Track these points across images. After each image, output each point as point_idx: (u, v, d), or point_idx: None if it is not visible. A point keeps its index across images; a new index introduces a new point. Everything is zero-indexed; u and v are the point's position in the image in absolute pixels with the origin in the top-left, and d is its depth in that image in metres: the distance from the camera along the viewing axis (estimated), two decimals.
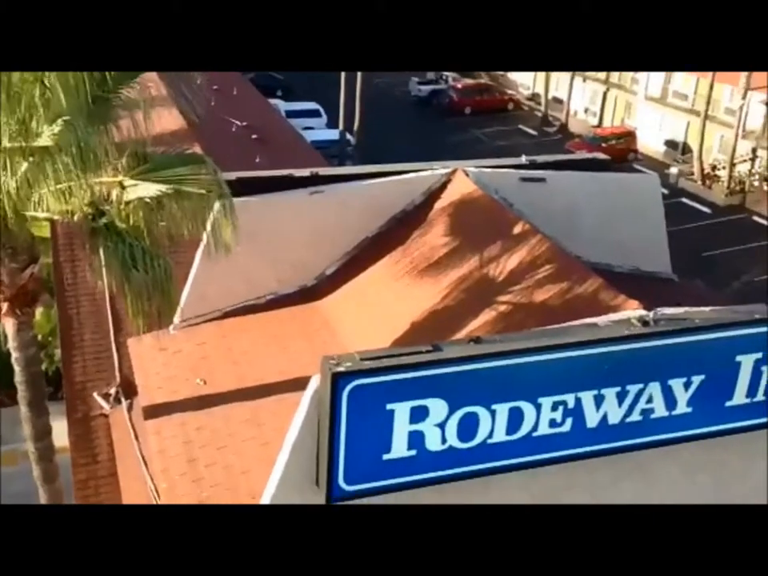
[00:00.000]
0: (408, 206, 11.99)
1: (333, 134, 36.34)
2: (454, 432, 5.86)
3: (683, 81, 40.90)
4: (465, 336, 9.01)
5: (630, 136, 40.77)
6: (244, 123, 21.28)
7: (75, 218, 9.51)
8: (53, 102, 8.80)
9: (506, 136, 41.83)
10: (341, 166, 25.96)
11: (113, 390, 11.92)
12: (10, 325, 10.82)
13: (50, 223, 12.46)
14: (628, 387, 6.21)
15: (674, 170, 37.74)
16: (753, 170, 37.26)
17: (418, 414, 5.73)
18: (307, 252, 11.63)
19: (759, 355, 6.49)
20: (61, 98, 8.65)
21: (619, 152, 36.93)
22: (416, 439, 5.79)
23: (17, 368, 11.12)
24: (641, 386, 6.24)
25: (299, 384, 6.00)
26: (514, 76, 49.38)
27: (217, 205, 9.24)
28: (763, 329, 6.46)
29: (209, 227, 9.39)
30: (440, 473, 5.98)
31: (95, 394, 11.98)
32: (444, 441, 5.86)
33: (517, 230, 10.92)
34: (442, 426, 5.81)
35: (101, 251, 9.34)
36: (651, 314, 6.39)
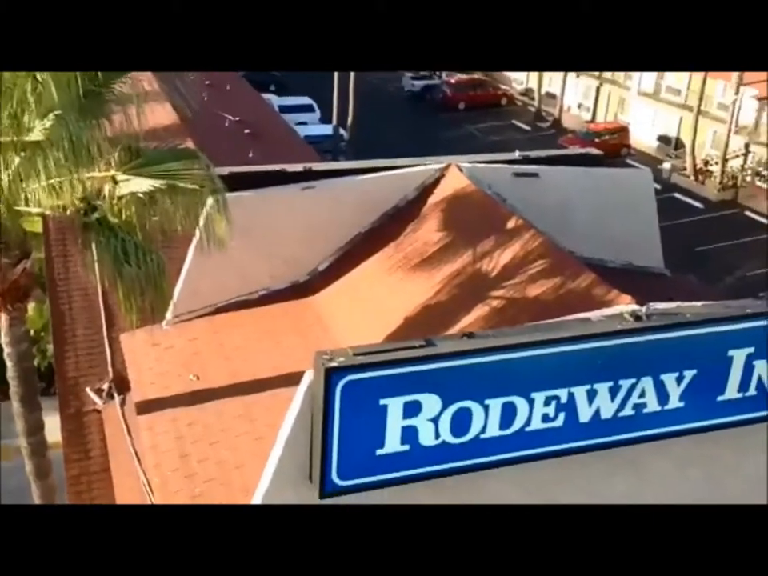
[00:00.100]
0: (401, 201, 11.98)
1: (326, 129, 36.28)
2: (447, 427, 5.87)
3: (676, 76, 40.95)
4: (458, 331, 9.02)
5: (623, 131, 40.83)
6: (237, 118, 21.22)
7: (67, 212, 9.48)
8: (45, 97, 8.76)
9: (500, 131, 41.83)
10: (334, 161, 25.95)
11: (105, 386, 11.89)
12: (2, 320, 10.79)
13: (42, 218, 12.41)
14: (620, 382, 6.23)
15: (666, 166, 37.81)
16: (745, 166, 37.37)
17: (411, 409, 5.73)
18: (300, 247, 11.62)
19: (751, 350, 6.52)
20: (53, 93, 8.61)
21: (612, 147, 36.99)
22: (409, 434, 5.80)
23: (9, 363, 11.09)
24: (633, 380, 6.26)
25: (292, 379, 6.00)
26: (507, 71, 49.34)
27: (210, 200, 9.22)
28: (755, 323, 6.49)
29: (202, 222, 9.38)
30: (433, 468, 5.99)
31: (88, 390, 11.96)
32: (437, 436, 5.87)
33: (510, 225, 10.93)
34: (435, 420, 5.82)
35: (93, 246, 9.31)
36: (643, 308, 6.40)
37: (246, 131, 20.63)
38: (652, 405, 6.38)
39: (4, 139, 8.78)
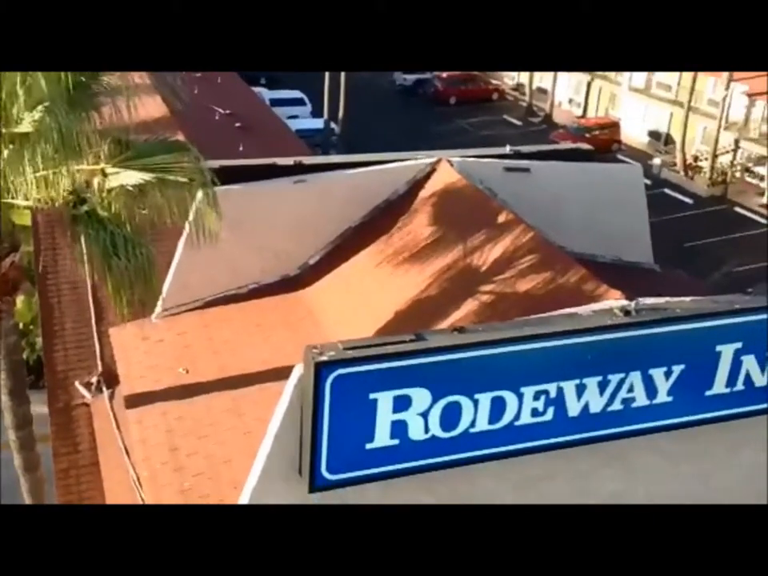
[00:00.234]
0: (392, 195, 11.98)
1: (317, 123, 36.21)
2: (436, 421, 5.87)
3: (667, 72, 41.03)
4: (448, 325, 9.04)
5: (613, 127, 40.91)
6: (228, 111, 21.16)
7: (56, 205, 9.43)
8: (34, 89, 8.72)
9: (491, 126, 41.83)
10: (325, 155, 25.91)
11: (94, 379, 11.86)
12: None
13: (31, 211, 12.35)
14: (609, 376, 6.24)
15: (656, 161, 37.92)
16: (735, 162, 37.52)
17: (401, 404, 5.73)
18: (290, 241, 11.60)
19: (739, 345, 6.54)
20: (42, 85, 8.57)
21: (603, 142, 37.08)
22: (399, 428, 5.80)
23: None
24: (622, 375, 6.28)
25: (282, 373, 6.00)
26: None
27: (200, 193, 9.20)
28: (743, 319, 6.52)
29: (191, 216, 9.35)
30: (423, 462, 5.99)
31: (77, 383, 11.92)
32: (427, 430, 5.87)
33: (501, 219, 10.95)
34: (424, 415, 5.82)
35: (82, 239, 9.28)
36: (633, 303, 6.42)
37: (237, 124, 20.57)
38: (640, 399, 6.40)
39: None
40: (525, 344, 5.97)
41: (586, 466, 6.66)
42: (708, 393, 6.64)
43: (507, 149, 12.78)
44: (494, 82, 48.43)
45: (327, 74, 33.95)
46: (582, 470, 6.67)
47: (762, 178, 36.85)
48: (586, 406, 6.26)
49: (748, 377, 6.68)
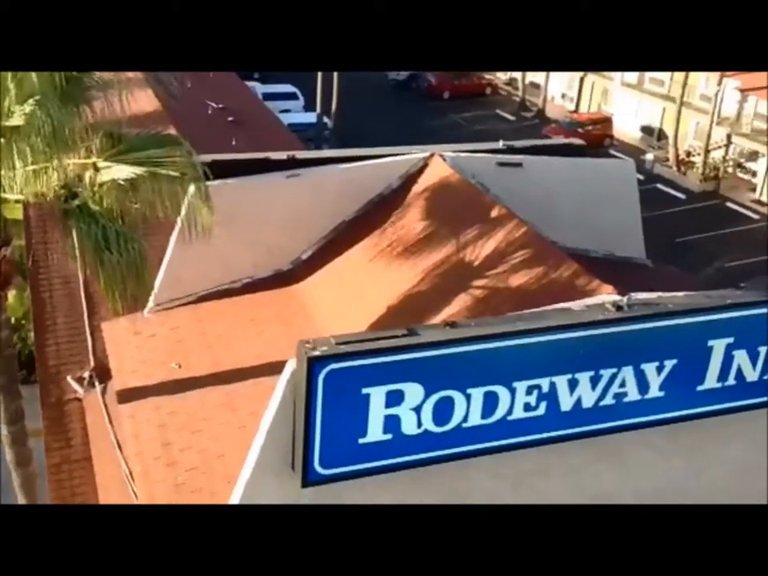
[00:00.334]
0: (385, 189, 11.97)
1: (310, 117, 36.09)
2: (429, 416, 5.88)
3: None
4: (441, 320, 9.03)
5: (606, 122, 40.94)
6: (220, 105, 21.08)
7: (48, 199, 9.39)
8: (25, 82, 8.68)
9: (484, 121, 41.80)
10: (318, 150, 25.86)
11: (87, 374, 11.83)
12: None
13: (23, 205, 12.30)
14: (601, 371, 6.26)
15: (649, 156, 37.98)
16: (727, 157, 37.60)
17: (394, 398, 5.74)
18: (283, 235, 11.59)
19: (731, 340, 6.57)
20: (33, 78, 8.53)
21: (596, 138, 37.10)
22: (391, 423, 5.81)
23: None
24: (614, 370, 6.30)
25: (275, 368, 5.99)
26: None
27: (192, 187, 9.17)
28: (735, 314, 6.54)
29: (184, 210, 9.32)
30: (415, 457, 6.00)
31: (69, 378, 11.89)
32: (419, 425, 5.88)
33: (493, 214, 10.95)
34: (417, 410, 5.83)
35: (74, 233, 9.24)
36: (625, 298, 6.43)
37: (230, 119, 20.49)
38: (632, 394, 6.42)
39: None
40: (517, 339, 5.98)
41: (579, 461, 6.68)
42: (700, 388, 6.66)
43: (500, 143, 12.78)
44: (487, 76, 48.34)
45: None
46: (574, 465, 6.69)
47: (754, 174, 36.94)
48: (578, 401, 6.27)
49: (740, 372, 6.71)
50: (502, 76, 49.13)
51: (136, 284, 9.26)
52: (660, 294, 6.70)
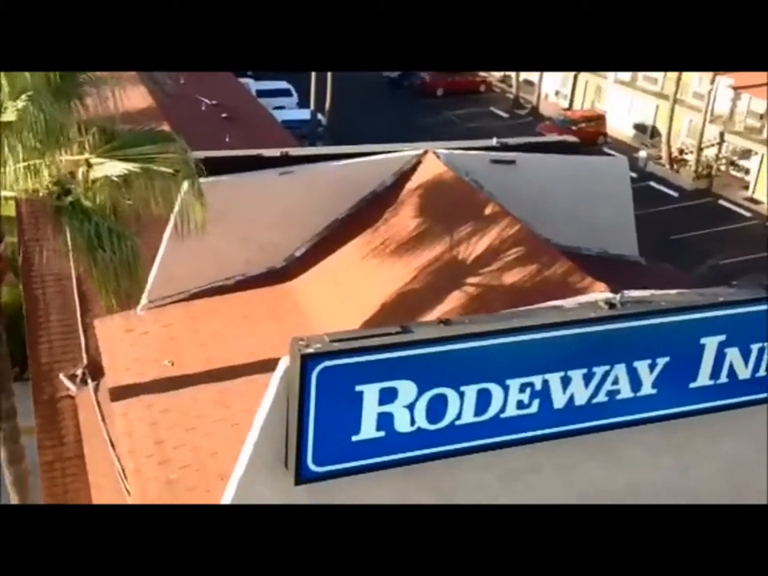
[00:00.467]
0: (379, 187, 11.96)
1: (304, 114, 36.05)
2: (422, 413, 5.89)
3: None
4: (434, 318, 9.03)
5: (599, 119, 40.95)
6: (214, 102, 21.03)
7: (40, 196, 9.36)
8: (18, 77, 8.63)
9: (478, 118, 41.79)
10: (311, 147, 25.81)
11: (79, 371, 11.80)
12: None
13: (15, 201, 12.26)
14: (594, 369, 6.27)
15: (642, 154, 38.03)
16: (720, 155, 37.67)
17: (387, 396, 5.74)
18: (277, 233, 11.57)
19: (723, 338, 6.59)
20: (26, 74, 8.49)
21: (589, 135, 37.14)
22: (385, 421, 5.81)
23: None
24: (607, 367, 6.31)
25: (268, 365, 5.99)
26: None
27: (185, 184, 9.15)
28: (727, 312, 6.56)
29: (177, 207, 9.30)
30: (408, 454, 6.01)
31: (62, 375, 11.86)
32: (413, 422, 5.89)
33: (487, 211, 10.96)
34: (410, 407, 5.84)
35: (66, 230, 9.21)
36: (618, 296, 6.45)
37: (223, 115, 20.44)
38: (625, 391, 6.44)
39: None
40: (510, 336, 5.99)
41: (572, 458, 6.70)
42: (692, 385, 6.68)
43: (494, 141, 12.79)
44: (480, 74, 48.36)
45: None
46: (567, 462, 6.71)
47: (746, 171, 37.03)
48: (571, 399, 6.29)
49: (732, 369, 6.73)
50: (495, 73, 49.12)
51: (129, 281, 9.23)
52: (653, 291, 6.72)
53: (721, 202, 35.41)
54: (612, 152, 35.49)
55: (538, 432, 6.34)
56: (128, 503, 9.13)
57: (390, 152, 12.14)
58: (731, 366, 6.72)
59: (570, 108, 44.64)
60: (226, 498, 5.98)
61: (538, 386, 6.15)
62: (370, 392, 5.68)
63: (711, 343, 6.58)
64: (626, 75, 42.51)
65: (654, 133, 40.50)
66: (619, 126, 41.55)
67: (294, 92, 39.05)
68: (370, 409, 5.73)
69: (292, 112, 36.66)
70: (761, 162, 35.83)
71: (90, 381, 11.66)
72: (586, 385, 6.30)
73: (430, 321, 6.47)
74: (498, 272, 10.07)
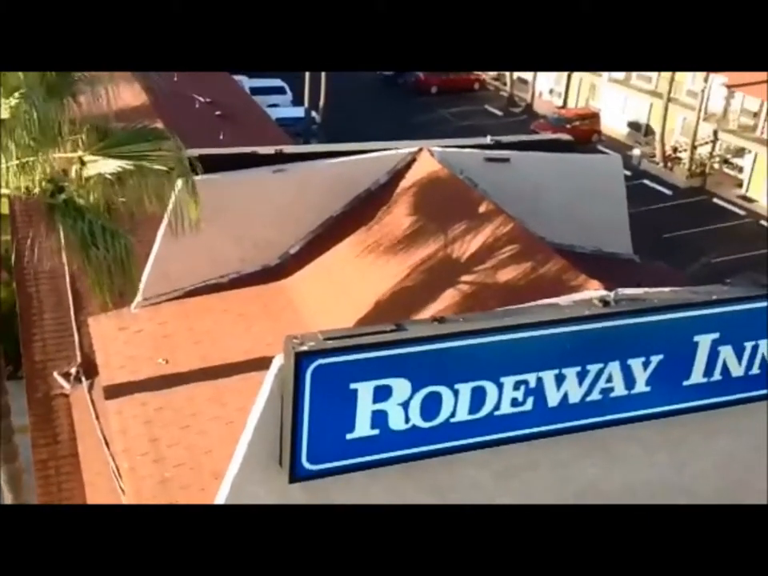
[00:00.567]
0: (373, 184, 11.96)
1: (298, 112, 36.02)
2: (417, 411, 5.89)
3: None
4: (429, 315, 9.04)
5: (593, 117, 41.01)
6: (207, 99, 20.99)
7: (33, 194, 9.33)
8: (11, 75, 8.60)
9: (472, 116, 41.81)
10: (305, 144, 25.79)
11: (73, 370, 11.78)
12: None
13: (8, 199, 12.22)
14: (588, 367, 6.28)
15: (636, 152, 38.08)
16: (713, 153, 37.75)
17: (382, 394, 5.74)
18: (271, 230, 11.56)
19: (716, 335, 6.61)
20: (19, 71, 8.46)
21: (583, 133, 37.19)
22: (379, 418, 5.81)
23: None
24: (601, 365, 6.32)
25: (263, 363, 5.98)
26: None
27: (179, 182, 9.13)
28: (720, 309, 6.58)
29: (171, 204, 9.28)
30: (403, 452, 6.01)
31: (55, 374, 11.83)
32: (407, 420, 5.89)
33: (481, 209, 10.96)
34: (405, 405, 5.84)
35: (60, 228, 9.18)
36: (612, 294, 6.46)
37: (217, 113, 20.41)
38: (619, 389, 6.45)
39: None
40: (505, 334, 5.99)
41: (568, 455, 6.71)
42: (686, 383, 6.70)
43: (488, 139, 12.79)
44: (475, 72, 48.38)
45: None
46: (562, 459, 6.72)
47: (740, 170, 37.12)
48: (565, 396, 6.30)
49: (725, 367, 6.75)
50: (490, 71, 49.14)
51: (123, 279, 9.21)
52: (647, 289, 6.73)
53: (714, 200, 35.49)
54: (606, 150, 35.54)
55: (533, 430, 6.34)
56: (122, 502, 9.12)
57: (384, 150, 12.13)
58: (725, 364, 6.74)
59: (564, 106, 44.68)
60: (221, 496, 5.98)
61: (533, 384, 6.16)
62: (365, 390, 5.68)
63: (705, 341, 6.60)
64: (620, 73, 42.55)
65: (648, 131, 40.57)
66: (613, 124, 41.61)
67: (288, 90, 38.99)
68: (365, 407, 5.73)
69: (286, 110, 36.61)
70: (754, 160, 35.93)
71: (84, 379, 11.64)
72: (580, 382, 6.31)
73: (425, 319, 6.47)
74: (492, 270, 10.08)
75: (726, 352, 6.70)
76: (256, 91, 34.44)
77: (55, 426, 11.56)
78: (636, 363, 6.43)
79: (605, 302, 6.33)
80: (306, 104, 35.35)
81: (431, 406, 5.92)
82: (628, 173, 21.46)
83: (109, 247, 8.98)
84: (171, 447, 9.16)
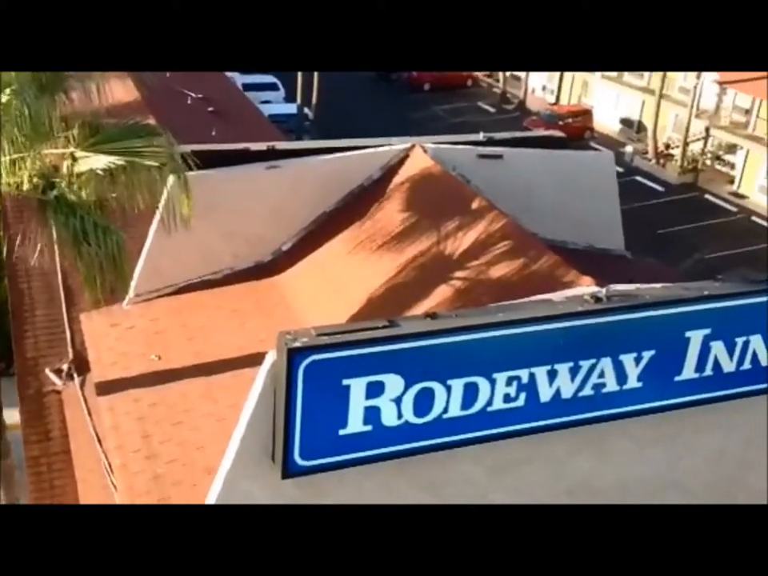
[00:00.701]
0: (366, 181, 11.95)
1: (290, 108, 35.95)
2: (409, 407, 5.89)
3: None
4: (421, 311, 9.05)
5: (586, 114, 41.07)
6: (200, 95, 20.95)
7: (24, 190, 9.30)
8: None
9: (465, 112, 41.82)
10: (298, 141, 25.76)
11: (65, 366, 11.75)
12: None
13: None
14: (580, 362, 6.30)
15: (628, 149, 38.16)
16: (705, 149, 37.86)
17: (374, 390, 5.75)
18: (264, 227, 11.55)
19: (708, 331, 6.63)
20: None
21: (576, 130, 37.26)
22: (372, 414, 5.82)
23: None
24: (593, 361, 6.34)
25: (255, 359, 5.98)
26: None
27: (171, 178, 9.11)
28: (712, 305, 6.61)
29: (163, 200, 9.27)
30: (396, 448, 6.02)
31: (47, 370, 11.80)
32: (400, 416, 5.90)
33: (474, 206, 10.97)
34: (397, 401, 5.84)
35: (51, 225, 9.15)
36: (604, 290, 6.47)
37: (209, 109, 20.37)
38: (611, 385, 6.47)
39: None
40: (497, 330, 6.00)
41: (561, 451, 6.73)
42: (678, 378, 6.72)
43: (481, 135, 12.80)
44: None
45: None
46: (556, 455, 6.74)
47: (732, 166, 37.25)
48: (557, 392, 6.31)
49: (717, 362, 6.78)
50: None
51: (115, 275, 9.19)
52: (639, 285, 6.75)
53: (706, 196, 35.61)
54: (598, 147, 35.60)
55: (525, 425, 6.36)
56: (115, 498, 9.11)
57: (377, 146, 12.13)
58: (716, 360, 6.77)
59: (556, 103, 44.71)
60: (213, 493, 5.98)
61: (525, 380, 6.17)
62: (357, 386, 5.68)
63: (696, 336, 6.62)
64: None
65: (640, 128, 40.65)
66: (605, 121, 41.68)
67: (280, 86, 38.94)
68: (357, 403, 5.73)
69: (279, 106, 36.56)
70: (746, 156, 36.06)
71: (76, 375, 11.61)
72: (573, 378, 6.32)
73: (417, 315, 6.48)
74: (484, 266, 10.09)
75: (718, 348, 6.73)
76: (249, 87, 34.38)
77: (47, 423, 11.54)
78: (628, 359, 6.45)
79: (597, 299, 6.35)
80: (299, 100, 35.31)
81: (424, 401, 5.93)
82: (620, 169, 21.55)
83: (101, 243, 8.96)
84: (164, 443, 9.14)
